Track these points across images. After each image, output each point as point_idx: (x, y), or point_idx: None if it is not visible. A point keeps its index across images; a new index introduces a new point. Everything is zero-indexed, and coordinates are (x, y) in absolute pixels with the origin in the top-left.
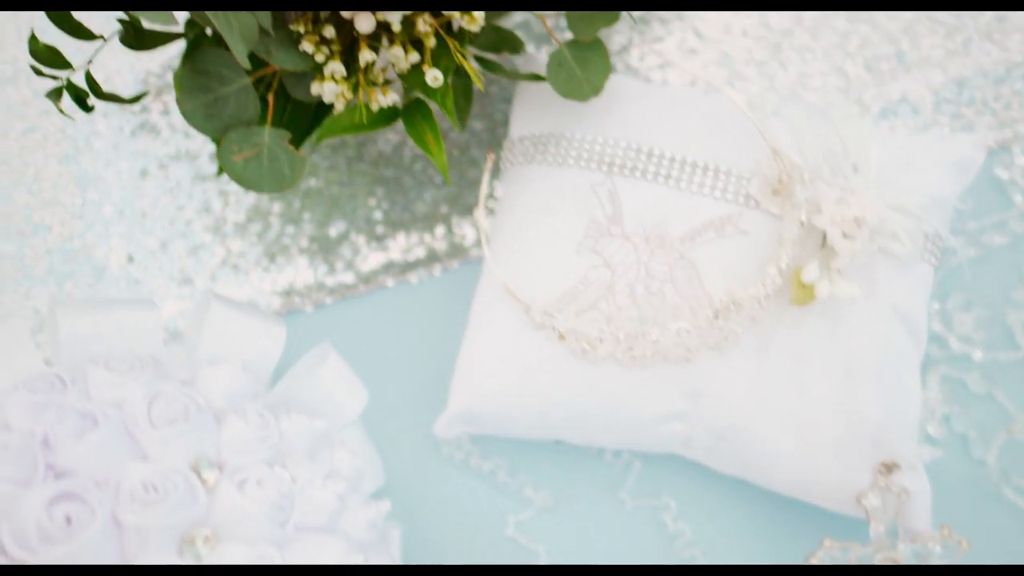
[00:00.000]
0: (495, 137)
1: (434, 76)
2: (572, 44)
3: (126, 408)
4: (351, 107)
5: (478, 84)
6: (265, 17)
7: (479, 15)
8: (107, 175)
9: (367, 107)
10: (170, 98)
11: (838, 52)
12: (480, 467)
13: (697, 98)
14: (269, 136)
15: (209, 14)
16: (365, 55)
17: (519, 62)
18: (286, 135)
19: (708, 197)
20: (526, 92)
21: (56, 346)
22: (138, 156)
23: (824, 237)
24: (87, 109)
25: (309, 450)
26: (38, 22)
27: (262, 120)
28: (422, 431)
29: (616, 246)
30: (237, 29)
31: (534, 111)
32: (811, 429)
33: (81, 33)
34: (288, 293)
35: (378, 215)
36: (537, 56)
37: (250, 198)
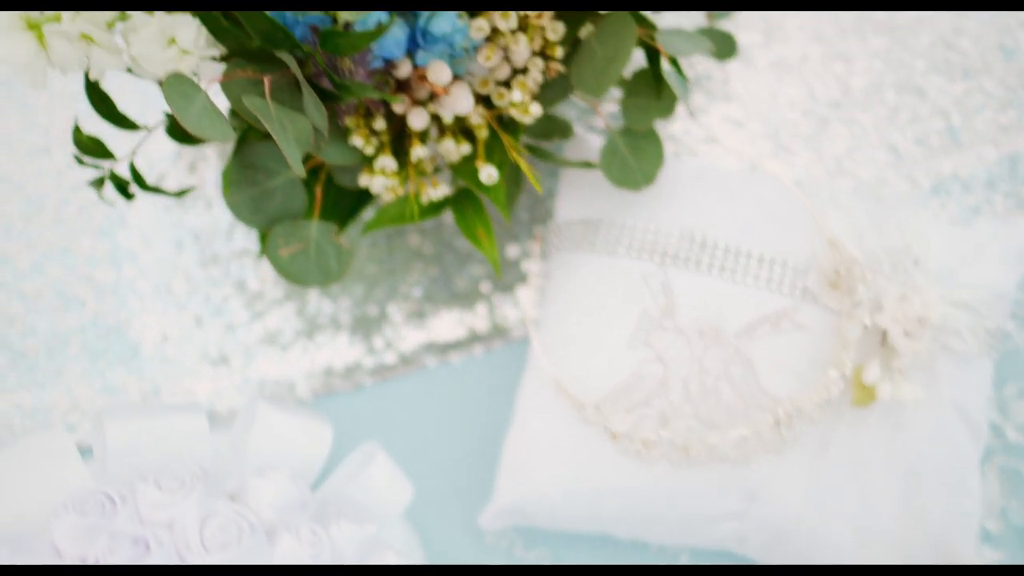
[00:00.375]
0: (537, 213)
1: (489, 174)
2: (625, 132)
3: (177, 530)
4: (399, 198)
5: (536, 187)
6: (321, 119)
7: (535, 108)
8: (141, 249)
9: (417, 199)
10: (206, 170)
11: (887, 126)
12: (524, 558)
13: (752, 184)
14: (316, 230)
15: (262, 118)
16: (417, 151)
17: (568, 145)
18: (333, 228)
19: (764, 290)
20: (572, 173)
21: (103, 456)
22: (173, 229)
23: (885, 335)
24: (129, 197)
25: (358, 557)
26: (80, 110)
27: (309, 212)
28: (464, 518)
29: (669, 340)
30: (292, 133)
31: (581, 194)
32: (870, 531)
33: (125, 123)
34: (327, 374)
35: (418, 292)
36: (586, 137)
37: None
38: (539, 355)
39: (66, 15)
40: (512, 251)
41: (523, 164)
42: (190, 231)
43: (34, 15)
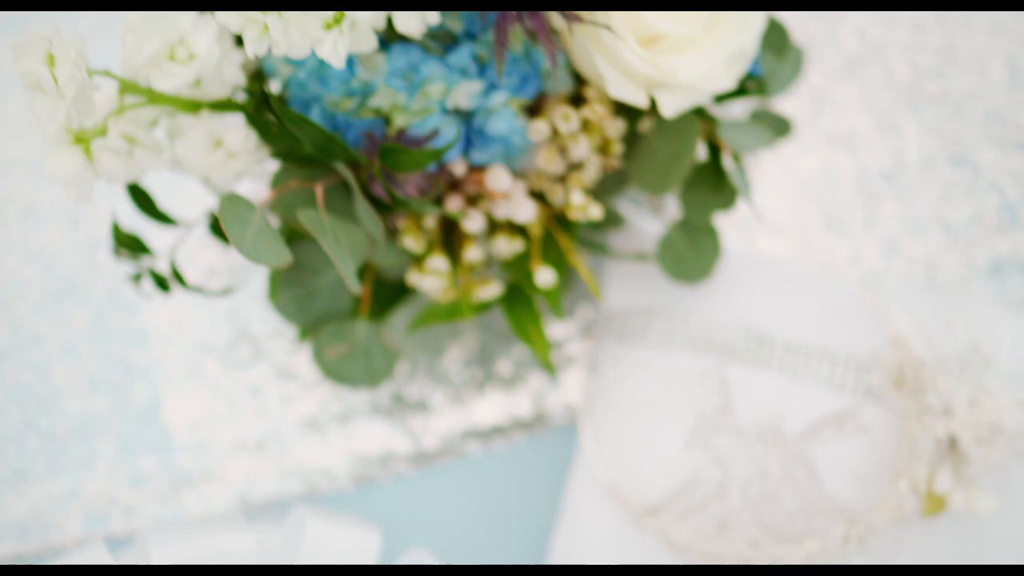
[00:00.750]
0: (581, 290)
1: (546, 279)
2: (682, 226)
3: None
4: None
5: (597, 296)
6: (376, 228)
7: (595, 211)
8: (173, 328)
9: (467, 298)
10: None
11: (941, 201)
12: None
13: (810, 275)
14: (363, 331)
15: (317, 234)
16: (470, 254)
17: (619, 232)
18: (380, 329)
19: (825, 388)
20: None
21: None
22: (205, 308)
23: (954, 441)
24: (166, 289)
25: None
26: (118, 203)
27: (354, 310)
28: None
29: (727, 442)
30: (346, 245)
31: (631, 279)
32: None
33: (165, 220)
34: (365, 461)
35: (458, 375)
36: (636, 224)
37: None
38: (589, 454)
39: (111, 122)
40: (556, 331)
41: (584, 272)
42: (223, 310)
43: (81, 128)
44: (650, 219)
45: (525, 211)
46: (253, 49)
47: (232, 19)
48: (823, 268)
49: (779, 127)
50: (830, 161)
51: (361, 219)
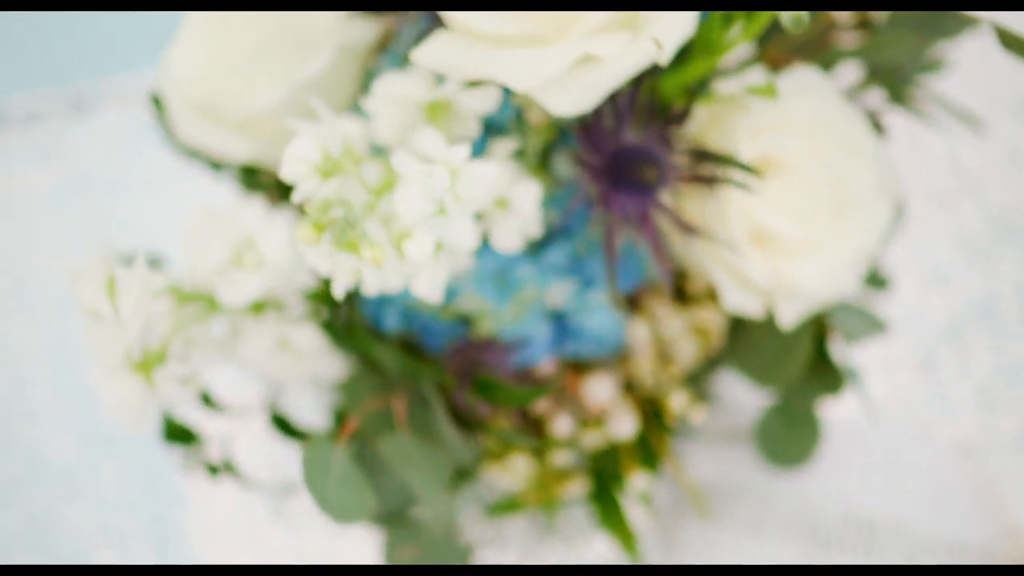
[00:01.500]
0: None
1: (641, 486)
2: (780, 410)
3: None
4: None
5: (701, 511)
6: (462, 451)
7: (697, 416)
8: (209, 489)
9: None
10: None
11: None
12: None
13: (910, 449)
14: (436, 531)
15: (399, 466)
16: (560, 457)
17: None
18: (453, 522)
19: None
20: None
21: None
22: (252, 454)
23: None
24: (217, 475)
25: None
26: None
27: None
28: None
29: None
30: (430, 473)
31: (716, 448)
32: None
33: (219, 408)
34: None
35: (519, 538)
36: (725, 397)
37: None
38: None
39: (170, 353)
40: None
41: (684, 480)
42: (270, 454)
43: (144, 355)
44: (741, 384)
45: (625, 426)
46: (342, 287)
47: (320, 262)
48: (923, 439)
49: (876, 283)
50: (920, 301)
51: (446, 440)
